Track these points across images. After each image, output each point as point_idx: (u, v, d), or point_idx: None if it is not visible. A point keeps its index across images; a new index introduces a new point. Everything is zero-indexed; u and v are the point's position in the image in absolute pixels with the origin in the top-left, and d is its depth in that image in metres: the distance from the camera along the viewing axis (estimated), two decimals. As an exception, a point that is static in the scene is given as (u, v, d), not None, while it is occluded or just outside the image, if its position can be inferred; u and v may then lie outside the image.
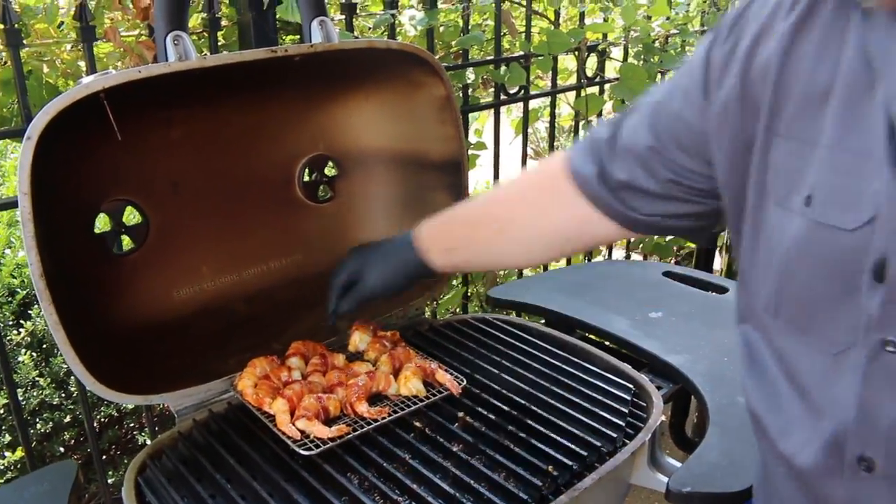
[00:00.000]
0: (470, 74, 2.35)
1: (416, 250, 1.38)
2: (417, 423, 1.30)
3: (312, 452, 1.20)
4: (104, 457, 2.50)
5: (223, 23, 1.87)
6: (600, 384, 1.39)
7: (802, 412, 0.93)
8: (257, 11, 1.79)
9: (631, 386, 1.38)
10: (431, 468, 1.19)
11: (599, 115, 2.81)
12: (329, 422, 1.28)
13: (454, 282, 2.74)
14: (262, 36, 1.83)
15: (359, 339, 1.51)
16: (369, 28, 2.33)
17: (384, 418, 1.28)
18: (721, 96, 1.01)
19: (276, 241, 1.68)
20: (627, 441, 1.25)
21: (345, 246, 1.79)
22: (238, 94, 1.51)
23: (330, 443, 1.22)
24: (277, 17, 1.85)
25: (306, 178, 1.72)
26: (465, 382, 1.38)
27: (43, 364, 2.30)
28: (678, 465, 1.29)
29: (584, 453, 1.20)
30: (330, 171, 1.76)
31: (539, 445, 1.22)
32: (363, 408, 1.30)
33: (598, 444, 1.22)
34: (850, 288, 0.85)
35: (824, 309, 0.89)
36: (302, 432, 1.24)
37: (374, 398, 1.35)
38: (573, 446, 1.21)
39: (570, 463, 1.17)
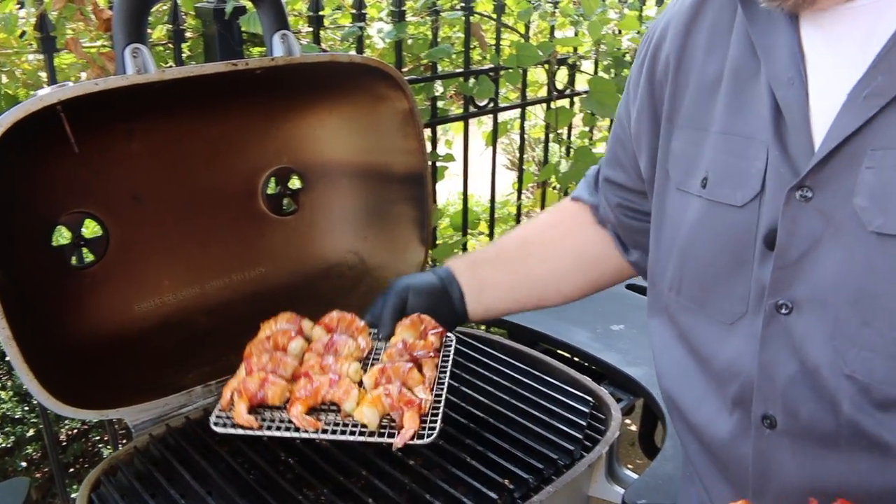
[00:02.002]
0: (438, 87, 2.36)
1: (444, 265, 1.39)
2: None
3: (215, 428, 1.19)
4: (70, 470, 2.48)
5: (188, 34, 1.87)
6: (560, 397, 1.39)
7: (708, 383, 0.98)
8: (221, 23, 1.79)
9: (590, 399, 1.39)
10: (388, 483, 1.19)
11: (569, 127, 2.83)
12: (265, 408, 1.22)
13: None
14: (227, 48, 1.83)
15: (402, 331, 1.32)
16: (338, 40, 2.34)
17: (306, 432, 1.18)
18: (637, 105, 1.10)
19: (239, 254, 1.67)
20: (585, 454, 1.26)
21: (309, 258, 1.79)
22: (200, 107, 1.50)
23: (239, 429, 1.19)
24: (243, 29, 1.85)
25: (270, 191, 1.71)
26: (432, 438, 1.15)
27: (6, 377, 2.28)
28: (636, 476, 1.30)
29: (541, 466, 1.20)
30: (294, 183, 1.76)
31: (497, 459, 1.22)
32: (295, 411, 1.20)
33: (556, 457, 1.23)
34: (741, 260, 0.92)
35: (719, 282, 0.95)
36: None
37: (329, 406, 1.23)
38: (530, 460, 1.22)
39: (527, 476, 1.18)
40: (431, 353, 1.30)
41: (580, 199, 1.35)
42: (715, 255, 0.95)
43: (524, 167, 2.72)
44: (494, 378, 1.45)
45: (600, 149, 2.77)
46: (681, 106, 1.01)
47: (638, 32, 2.91)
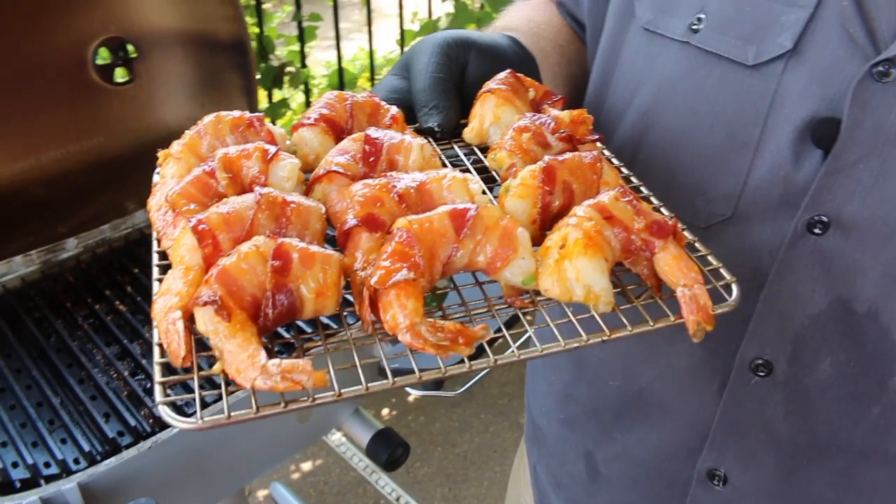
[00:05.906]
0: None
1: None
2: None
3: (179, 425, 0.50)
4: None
5: None
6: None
7: None
8: None
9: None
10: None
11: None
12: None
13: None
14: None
15: (490, 116, 0.73)
16: None
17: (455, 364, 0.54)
18: None
19: (74, 125, 1.70)
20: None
21: (148, 127, 1.82)
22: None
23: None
24: None
25: (101, 61, 1.73)
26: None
27: None
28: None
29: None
30: (131, 53, 1.77)
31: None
32: (398, 316, 0.54)
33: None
34: (736, 144, 0.67)
35: (696, 169, 0.69)
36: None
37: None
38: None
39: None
40: (595, 136, 0.71)
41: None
42: (698, 128, 0.69)
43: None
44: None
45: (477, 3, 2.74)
46: None
47: None
